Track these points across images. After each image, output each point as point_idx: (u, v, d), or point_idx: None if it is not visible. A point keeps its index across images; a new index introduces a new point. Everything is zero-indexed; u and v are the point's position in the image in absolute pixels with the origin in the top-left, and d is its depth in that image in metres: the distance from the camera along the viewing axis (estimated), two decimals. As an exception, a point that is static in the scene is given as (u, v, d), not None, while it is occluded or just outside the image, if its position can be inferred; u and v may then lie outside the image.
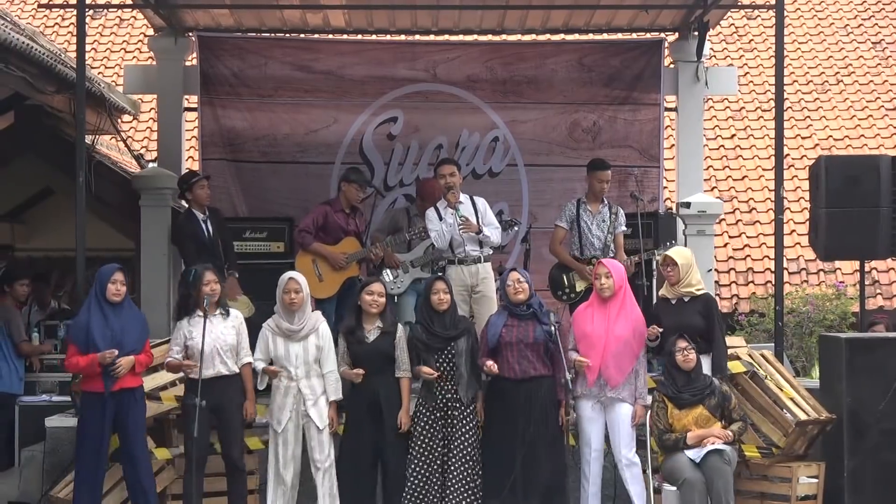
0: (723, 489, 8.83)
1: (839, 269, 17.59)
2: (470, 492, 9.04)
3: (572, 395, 9.21)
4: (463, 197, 10.64)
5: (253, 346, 9.34)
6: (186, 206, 11.74)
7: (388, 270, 11.16)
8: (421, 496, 9.05)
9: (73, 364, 9.17)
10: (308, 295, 9.26)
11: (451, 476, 9.03)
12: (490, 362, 9.10)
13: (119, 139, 15.86)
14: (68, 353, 9.25)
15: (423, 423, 9.16)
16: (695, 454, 8.95)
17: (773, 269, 12.64)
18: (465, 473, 9.03)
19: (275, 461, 9.12)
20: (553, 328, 9.14)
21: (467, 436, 9.10)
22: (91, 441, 9.08)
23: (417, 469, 9.09)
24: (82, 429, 9.19)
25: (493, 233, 10.61)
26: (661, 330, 9.38)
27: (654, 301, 10.48)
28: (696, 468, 8.90)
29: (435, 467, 9.08)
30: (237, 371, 9.19)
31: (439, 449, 9.11)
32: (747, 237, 18.39)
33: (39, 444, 10.29)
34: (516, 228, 11.99)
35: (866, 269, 12.08)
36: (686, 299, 9.61)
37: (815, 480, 9.73)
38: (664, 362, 9.39)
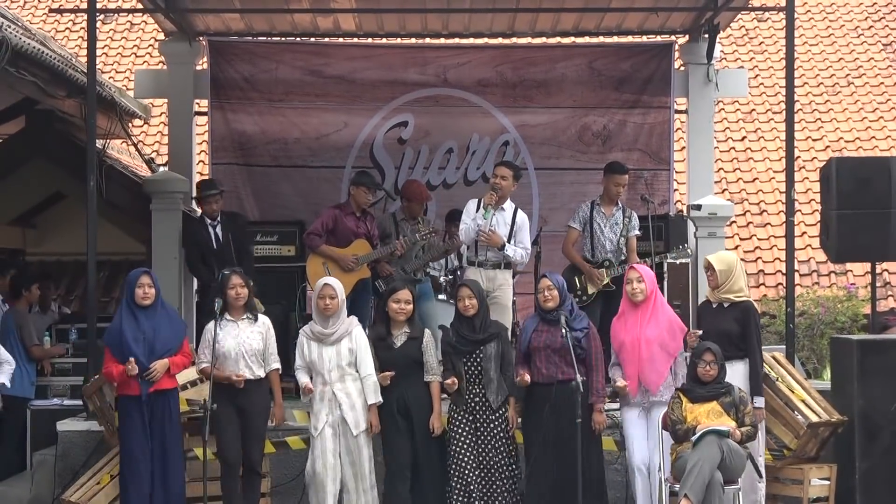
0: (707, 466, 8.67)
1: (850, 270, 17.59)
2: (511, 495, 9.06)
3: (596, 397, 9.13)
4: (508, 204, 10.66)
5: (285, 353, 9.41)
6: (199, 211, 11.79)
7: (380, 281, 11.22)
8: (463, 497, 9.04)
9: (108, 374, 9.21)
10: (343, 301, 9.26)
11: (494, 480, 9.05)
12: (521, 372, 9.09)
13: (130, 143, 15.90)
14: (105, 360, 9.25)
15: (456, 426, 9.17)
16: (695, 438, 8.94)
17: (784, 271, 12.64)
18: (506, 478, 9.04)
19: (312, 466, 9.08)
20: (581, 334, 9.14)
21: (498, 440, 9.09)
22: (135, 445, 9.07)
23: (457, 470, 9.08)
24: (124, 434, 9.19)
25: (518, 252, 10.58)
26: (700, 333, 9.39)
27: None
28: (694, 448, 8.89)
29: (471, 467, 9.06)
30: (262, 376, 9.20)
31: (472, 450, 9.10)
32: (758, 239, 18.39)
33: (51, 447, 10.32)
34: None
35: (877, 270, 12.04)
36: (726, 305, 9.60)
37: (827, 482, 9.72)
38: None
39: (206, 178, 12.44)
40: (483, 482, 9.06)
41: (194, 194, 11.84)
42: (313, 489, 9.06)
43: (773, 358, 10.38)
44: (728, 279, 9.57)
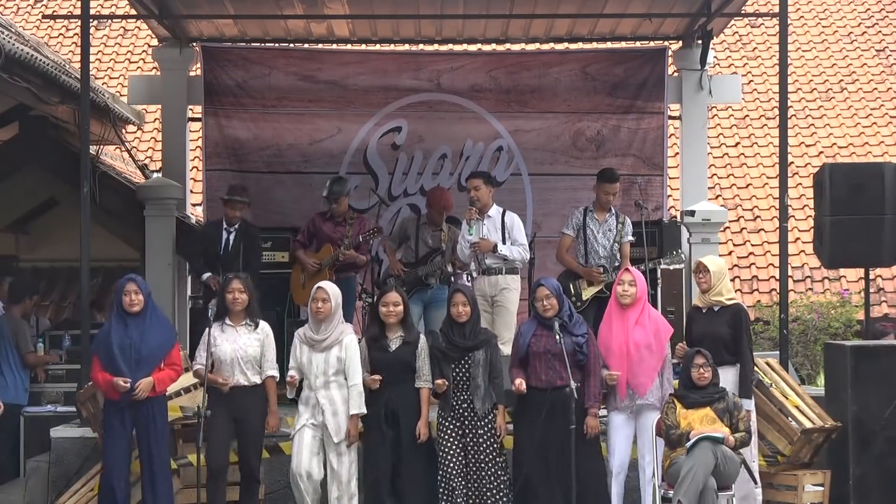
0: (701, 472, 8.70)
1: (844, 276, 17.59)
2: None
3: (590, 403, 9.11)
4: (494, 210, 10.73)
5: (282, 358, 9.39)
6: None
7: (391, 280, 11.20)
8: (450, 501, 9.02)
9: (95, 380, 9.18)
10: (338, 306, 9.21)
11: (481, 489, 9.00)
12: (519, 380, 9.06)
13: (123, 149, 15.89)
14: (93, 366, 9.21)
15: (444, 432, 9.14)
16: (689, 444, 8.95)
17: (777, 276, 12.66)
18: (494, 486, 9.00)
19: (293, 465, 9.04)
20: (583, 339, 9.13)
21: (485, 448, 9.06)
22: (114, 449, 9.02)
23: (443, 477, 9.04)
24: (106, 438, 9.15)
25: (515, 251, 10.63)
26: (686, 348, 9.40)
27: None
28: (689, 454, 8.90)
29: (456, 473, 9.01)
30: (258, 383, 9.16)
31: (459, 457, 9.07)
32: (752, 245, 18.40)
33: (44, 454, 10.29)
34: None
35: (871, 276, 12.06)
36: (716, 308, 9.56)
37: (821, 488, 9.74)
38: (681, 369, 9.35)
39: (237, 183, 12.55)
40: (469, 490, 9.03)
41: (225, 195, 11.83)
42: (294, 487, 9.04)
43: (767, 364, 10.39)
44: (720, 281, 9.56)
